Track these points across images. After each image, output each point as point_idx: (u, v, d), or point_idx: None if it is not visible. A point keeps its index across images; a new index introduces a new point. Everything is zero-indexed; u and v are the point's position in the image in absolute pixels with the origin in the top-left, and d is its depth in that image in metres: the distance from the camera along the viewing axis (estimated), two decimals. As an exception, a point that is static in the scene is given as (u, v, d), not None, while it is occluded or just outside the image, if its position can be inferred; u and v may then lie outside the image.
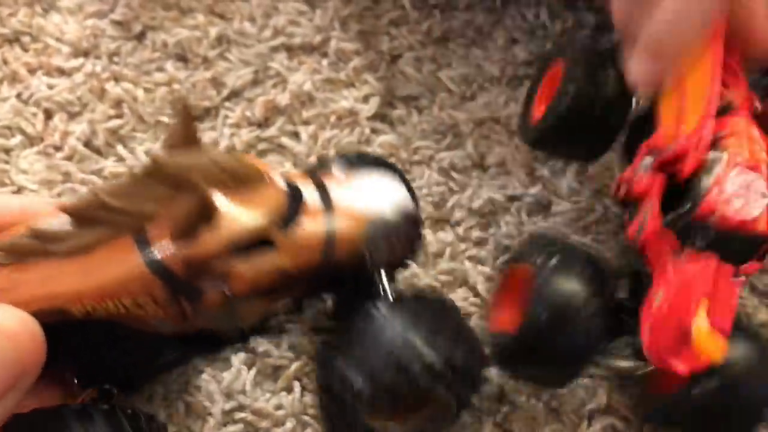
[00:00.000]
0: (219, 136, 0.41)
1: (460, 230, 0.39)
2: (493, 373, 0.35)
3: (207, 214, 0.24)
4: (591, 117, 0.33)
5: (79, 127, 0.40)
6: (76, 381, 0.27)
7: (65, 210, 0.24)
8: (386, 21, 0.46)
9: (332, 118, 0.42)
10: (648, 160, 0.29)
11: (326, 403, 0.28)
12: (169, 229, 0.24)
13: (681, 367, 0.28)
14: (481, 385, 0.29)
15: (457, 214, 0.40)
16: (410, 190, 0.30)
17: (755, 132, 0.30)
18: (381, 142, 0.42)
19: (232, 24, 0.44)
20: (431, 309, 0.28)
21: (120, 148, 0.40)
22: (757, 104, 0.31)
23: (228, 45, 0.44)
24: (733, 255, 0.28)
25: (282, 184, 0.26)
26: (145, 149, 0.40)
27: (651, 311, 0.28)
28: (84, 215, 0.24)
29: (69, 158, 0.39)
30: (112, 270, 0.24)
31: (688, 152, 0.28)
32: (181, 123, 0.25)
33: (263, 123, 0.42)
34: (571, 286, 0.29)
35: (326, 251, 0.26)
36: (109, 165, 0.39)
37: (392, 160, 0.41)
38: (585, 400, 0.35)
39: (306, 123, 0.42)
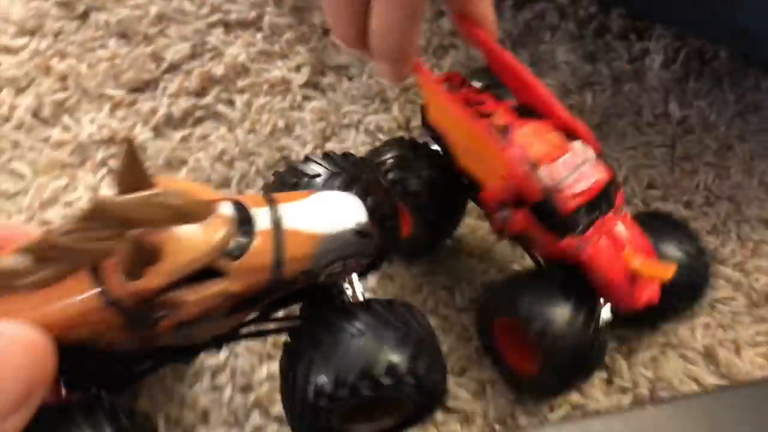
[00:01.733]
0: (158, 105, 0.43)
1: (385, 185, 0.42)
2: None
3: (148, 252, 0.25)
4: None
5: (26, 100, 0.43)
6: (62, 384, 0.28)
7: (21, 250, 0.25)
8: (318, -4, 0.49)
9: (265, 86, 0.45)
10: (504, 213, 0.34)
11: (291, 405, 0.29)
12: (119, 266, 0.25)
13: (653, 295, 0.33)
14: (442, 395, 0.30)
15: (383, 171, 0.43)
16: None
17: (537, 127, 0.33)
18: (312, 108, 0.45)
19: (171, 2, 0.47)
20: (400, 316, 0.29)
21: (66, 118, 0.43)
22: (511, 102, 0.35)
23: (167, 22, 0.47)
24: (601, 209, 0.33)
25: (229, 214, 0.26)
26: (89, 119, 0.43)
27: (607, 284, 0.33)
28: (39, 254, 0.25)
29: (18, 128, 0.42)
30: (70, 304, 0.25)
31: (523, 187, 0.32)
32: (126, 164, 0.25)
33: (200, 92, 0.44)
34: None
35: (274, 272, 0.27)
36: (56, 133, 0.42)
37: (323, 124, 0.44)
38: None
39: (241, 92, 0.45)
